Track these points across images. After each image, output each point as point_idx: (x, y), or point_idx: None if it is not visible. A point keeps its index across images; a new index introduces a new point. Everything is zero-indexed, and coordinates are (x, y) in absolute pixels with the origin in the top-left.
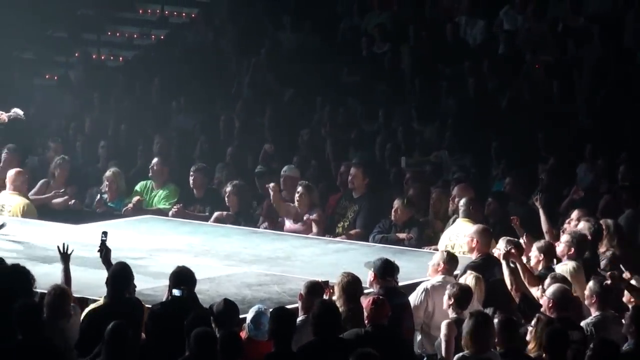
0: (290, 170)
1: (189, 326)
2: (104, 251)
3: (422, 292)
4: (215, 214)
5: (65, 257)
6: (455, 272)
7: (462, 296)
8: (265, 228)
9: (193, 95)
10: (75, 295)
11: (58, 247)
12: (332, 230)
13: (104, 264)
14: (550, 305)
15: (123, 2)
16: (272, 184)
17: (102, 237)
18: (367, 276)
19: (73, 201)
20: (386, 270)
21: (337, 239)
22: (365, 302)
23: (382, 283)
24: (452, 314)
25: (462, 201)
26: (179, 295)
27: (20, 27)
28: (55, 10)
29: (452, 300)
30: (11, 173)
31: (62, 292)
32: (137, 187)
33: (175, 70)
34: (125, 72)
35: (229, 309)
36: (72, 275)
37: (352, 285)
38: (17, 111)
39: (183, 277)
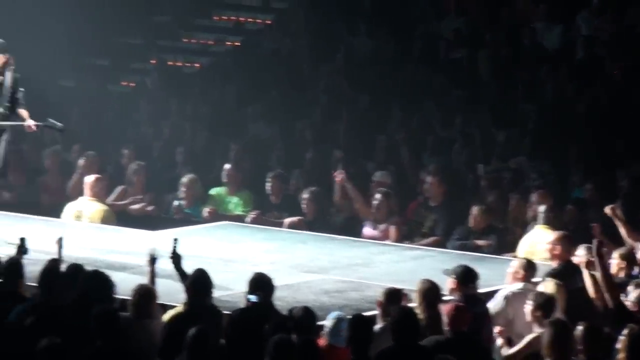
0: (382, 176)
1: (269, 333)
2: (176, 258)
3: (502, 300)
4: (288, 219)
5: (152, 260)
6: (535, 280)
7: (547, 306)
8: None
9: (269, 101)
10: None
11: (147, 250)
12: (410, 237)
13: (175, 270)
14: (636, 310)
15: (199, 9)
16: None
17: (173, 244)
18: (445, 283)
19: (150, 207)
20: (467, 277)
21: (415, 245)
22: (445, 308)
23: (463, 290)
24: (536, 327)
25: (542, 208)
26: (255, 301)
27: (96, 35)
28: (131, 17)
29: (539, 311)
30: (90, 179)
31: (147, 292)
32: (212, 192)
33: (251, 77)
34: (201, 79)
35: (308, 315)
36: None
37: (431, 291)
38: (52, 121)
39: (261, 283)
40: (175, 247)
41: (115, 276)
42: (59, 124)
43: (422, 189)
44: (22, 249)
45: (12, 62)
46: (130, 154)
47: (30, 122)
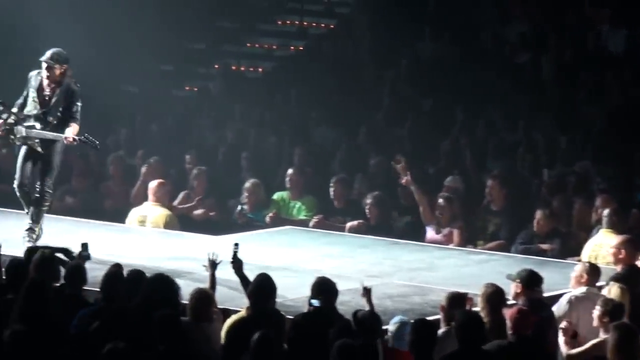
0: (452, 180)
1: (333, 337)
2: (236, 263)
3: (566, 304)
4: (349, 224)
5: (212, 264)
6: (599, 284)
7: (616, 312)
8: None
9: (332, 106)
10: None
11: (208, 254)
12: (473, 241)
13: (236, 275)
14: None
15: (262, 14)
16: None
17: (234, 248)
18: (508, 288)
19: (213, 212)
20: (532, 281)
21: (479, 249)
22: (509, 312)
23: (528, 294)
24: (602, 333)
25: (606, 212)
26: (317, 305)
27: (160, 40)
28: (194, 22)
29: (607, 317)
30: (153, 184)
31: (205, 296)
32: (275, 197)
33: (315, 82)
34: (264, 84)
35: (373, 319)
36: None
37: (495, 295)
38: (89, 137)
39: (324, 288)
40: (235, 252)
41: (178, 281)
42: (96, 141)
43: (485, 193)
44: (84, 254)
45: (70, 74)
46: (192, 159)
47: (68, 134)
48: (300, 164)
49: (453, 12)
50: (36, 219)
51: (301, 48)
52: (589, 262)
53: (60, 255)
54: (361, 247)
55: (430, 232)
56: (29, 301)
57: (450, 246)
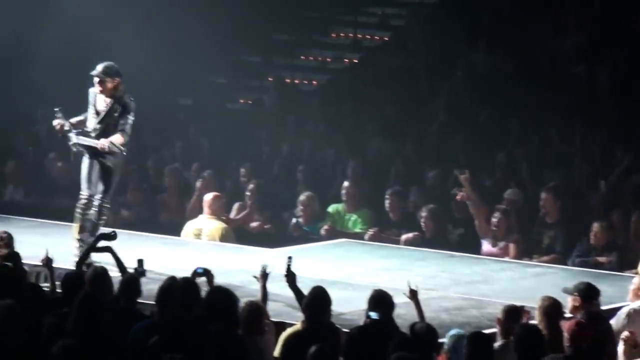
0: (512, 193)
1: (392, 350)
2: (290, 276)
3: (624, 317)
4: (404, 236)
5: (264, 276)
6: None
7: None
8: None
9: (387, 118)
10: (272, 319)
11: (261, 266)
12: (529, 254)
13: (290, 288)
14: None
15: (316, 26)
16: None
17: (287, 262)
18: (565, 301)
19: (268, 225)
20: (590, 293)
21: (535, 262)
22: (566, 325)
23: (586, 307)
24: None
25: None
26: (375, 318)
27: (214, 52)
28: (249, 35)
29: None
30: (208, 197)
31: (256, 308)
32: (330, 209)
33: (369, 94)
34: (318, 96)
35: (429, 332)
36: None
37: (553, 308)
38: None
39: (381, 301)
40: (289, 265)
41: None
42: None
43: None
44: (140, 270)
45: (122, 88)
46: (247, 172)
47: (103, 141)
48: (356, 176)
49: (508, 24)
50: (92, 232)
51: (355, 60)
52: None
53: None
54: (417, 260)
55: (486, 245)
56: (82, 315)
57: (507, 259)
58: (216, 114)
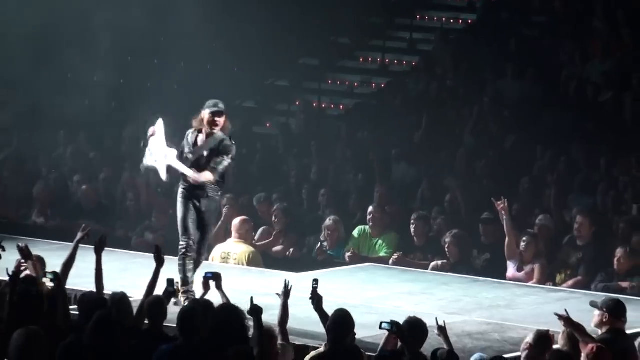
0: (545, 219)
1: None
2: (316, 299)
3: None
4: (433, 263)
5: (286, 293)
6: None
7: None
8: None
9: (413, 142)
10: (294, 342)
11: (285, 282)
12: (553, 274)
13: (316, 311)
14: None
15: (344, 51)
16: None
17: (313, 284)
18: (590, 319)
19: (292, 249)
20: (619, 310)
21: (559, 287)
22: (587, 349)
23: (613, 323)
24: None
25: None
26: (388, 329)
27: (242, 77)
28: (277, 59)
29: None
30: (236, 221)
31: (267, 331)
32: (355, 234)
33: (396, 118)
34: (346, 121)
35: (452, 357)
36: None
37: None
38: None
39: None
40: (315, 287)
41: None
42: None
43: (569, 230)
44: (169, 289)
45: (228, 126)
46: (275, 197)
47: (196, 173)
48: (381, 201)
49: (535, 50)
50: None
51: (383, 85)
52: None
53: None
54: (441, 285)
55: (511, 269)
56: (95, 337)
57: (530, 283)
58: (244, 137)
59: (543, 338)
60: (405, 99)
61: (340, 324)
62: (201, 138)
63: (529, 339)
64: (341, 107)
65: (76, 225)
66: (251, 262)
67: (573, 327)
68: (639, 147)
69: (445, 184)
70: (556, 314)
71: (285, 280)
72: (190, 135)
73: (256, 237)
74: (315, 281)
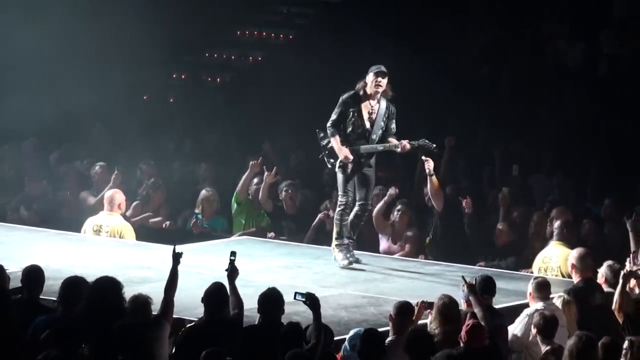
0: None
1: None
2: (233, 272)
3: (525, 319)
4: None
5: (175, 257)
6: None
7: (546, 326)
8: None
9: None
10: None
11: (174, 247)
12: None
13: (229, 285)
14: None
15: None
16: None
17: (230, 257)
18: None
19: (168, 222)
20: (486, 288)
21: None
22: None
23: (479, 301)
24: (543, 345)
25: (557, 224)
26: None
27: (118, 52)
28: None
29: (536, 330)
30: (108, 194)
31: (142, 302)
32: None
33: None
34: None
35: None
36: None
37: (448, 307)
38: (426, 141)
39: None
40: (232, 260)
41: (133, 289)
42: (433, 144)
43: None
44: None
45: (389, 92)
46: (148, 169)
47: (404, 142)
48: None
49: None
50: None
51: (259, 58)
52: (535, 280)
53: None
54: (317, 258)
55: (384, 242)
56: None
57: (404, 254)
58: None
59: (403, 309)
60: (282, 73)
61: (213, 297)
62: (367, 102)
63: (392, 310)
64: (218, 80)
65: None
66: (123, 235)
67: (474, 295)
68: (515, 121)
69: None
70: (463, 277)
71: (174, 245)
72: (352, 99)
73: (128, 213)
74: (233, 254)
